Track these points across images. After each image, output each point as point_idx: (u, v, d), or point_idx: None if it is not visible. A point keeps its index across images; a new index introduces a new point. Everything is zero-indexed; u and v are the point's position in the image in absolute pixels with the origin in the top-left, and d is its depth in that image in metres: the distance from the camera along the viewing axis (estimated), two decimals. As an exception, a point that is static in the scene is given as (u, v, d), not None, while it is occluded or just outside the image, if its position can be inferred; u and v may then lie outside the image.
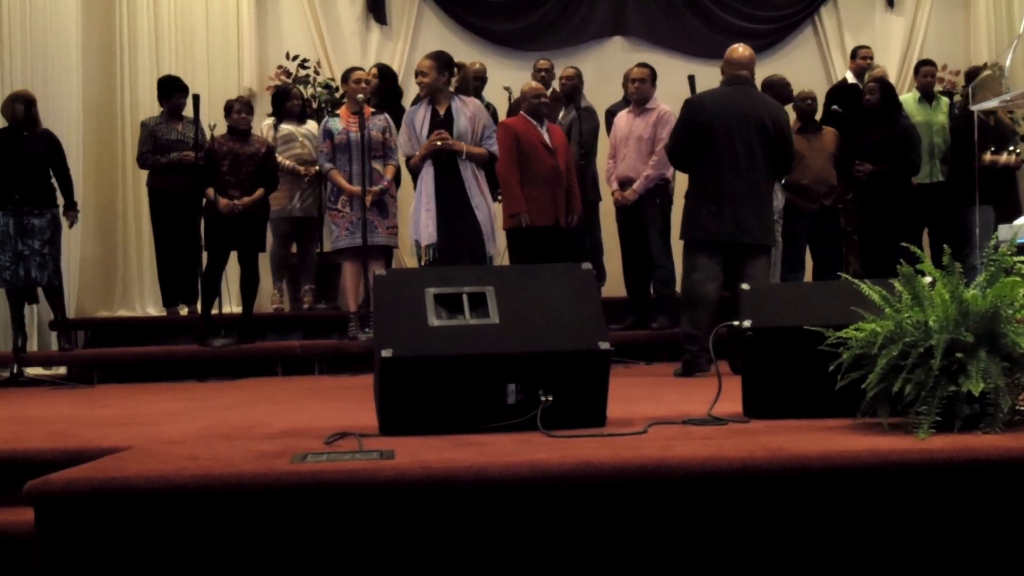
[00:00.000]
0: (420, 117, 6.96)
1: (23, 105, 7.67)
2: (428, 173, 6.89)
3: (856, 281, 3.69)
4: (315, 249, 9.08)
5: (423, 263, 6.76)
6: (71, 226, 8.01)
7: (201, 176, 7.88)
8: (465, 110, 6.97)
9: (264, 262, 9.19)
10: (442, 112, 6.94)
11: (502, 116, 8.39)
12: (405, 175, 8.17)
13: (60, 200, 7.83)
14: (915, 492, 2.99)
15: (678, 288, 7.67)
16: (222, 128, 7.90)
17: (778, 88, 8.12)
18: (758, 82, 7.88)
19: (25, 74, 8.62)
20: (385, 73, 8.69)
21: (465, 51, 9.80)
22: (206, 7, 9.93)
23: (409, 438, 3.54)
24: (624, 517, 2.95)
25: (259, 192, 7.84)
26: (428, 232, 6.79)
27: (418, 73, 6.94)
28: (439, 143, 6.80)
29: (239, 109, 7.88)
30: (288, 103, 8.76)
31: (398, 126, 7.68)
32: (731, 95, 6.30)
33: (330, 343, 7.74)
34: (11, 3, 8.68)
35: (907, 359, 3.34)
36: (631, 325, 8.04)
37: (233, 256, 7.95)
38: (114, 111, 9.65)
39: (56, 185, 7.81)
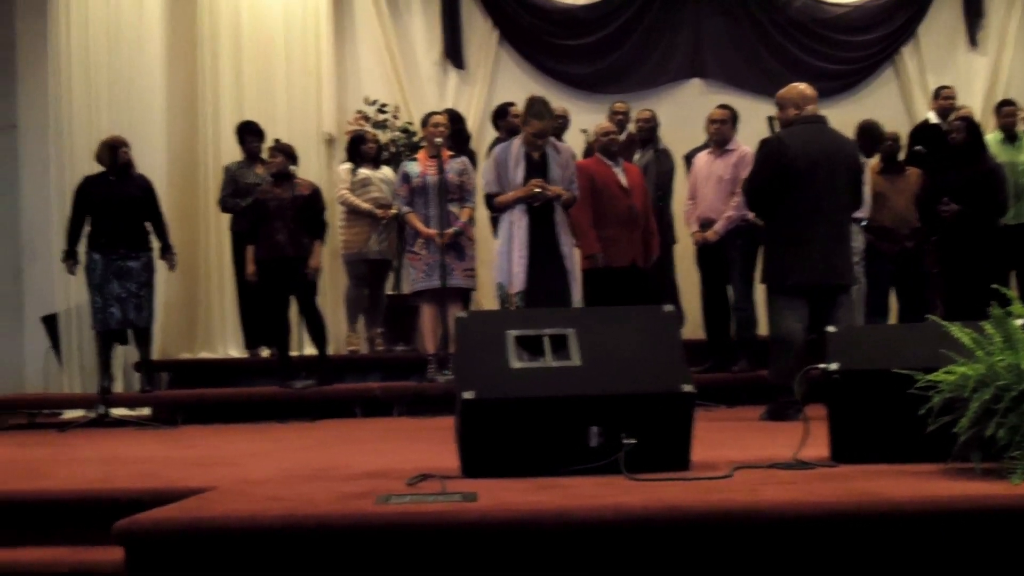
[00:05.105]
0: (514, 158, 6.96)
1: (117, 150, 7.82)
2: (521, 219, 6.88)
3: (946, 324, 3.61)
4: (385, 291, 9.15)
5: (511, 308, 6.71)
6: (172, 269, 8.18)
7: (250, 227, 8.02)
8: (558, 157, 7.01)
9: (337, 303, 9.31)
10: (536, 157, 6.97)
11: (579, 158, 8.40)
12: (480, 217, 8.21)
13: (155, 244, 7.97)
14: (1010, 538, 2.92)
15: (758, 331, 7.60)
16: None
17: (873, 132, 8.05)
18: (849, 127, 7.79)
19: (111, 121, 8.83)
20: (453, 118, 8.74)
21: (543, 94, 9.80)
22: (286, 53, 10.05)
23: (491, 480, 3.52)
24: (710, 561, 2.91)
25: (317, 248, 7.90)
26: (520, 279, 6.77)
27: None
28: (537, 190, 6.82)
29: (274, 155, 7.98)
30: (363, 146, 8.86)
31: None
32: (811, 134, 6.13)
33: (409, 385, 7.76)
34: (98, 53, 8.95)
35: (1000, 403, 3.26)
36: (711, 368, 7.91)
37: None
38: (197, 156, 9.78)
39: (150, 228, 7.95)
